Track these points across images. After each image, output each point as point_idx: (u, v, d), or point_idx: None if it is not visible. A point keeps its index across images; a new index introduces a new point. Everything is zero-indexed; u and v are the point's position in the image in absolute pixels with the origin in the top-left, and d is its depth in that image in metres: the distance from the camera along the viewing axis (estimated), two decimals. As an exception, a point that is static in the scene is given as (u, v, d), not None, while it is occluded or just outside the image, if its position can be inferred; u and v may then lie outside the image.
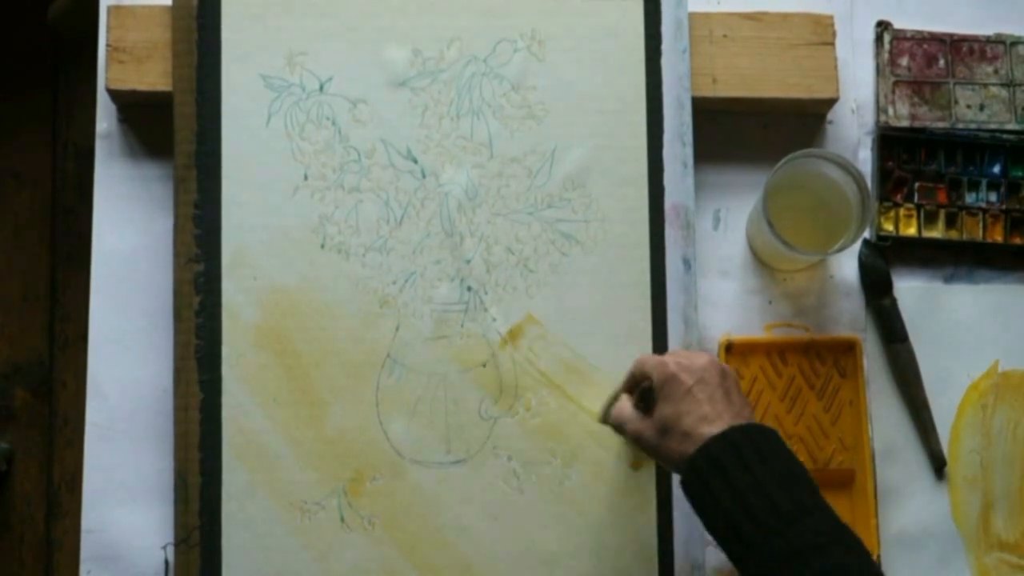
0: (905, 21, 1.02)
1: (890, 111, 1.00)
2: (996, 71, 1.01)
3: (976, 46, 1.01)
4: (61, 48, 1.74)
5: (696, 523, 0.90)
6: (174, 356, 0.90)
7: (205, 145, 0.91)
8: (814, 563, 0.70)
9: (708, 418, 0.77)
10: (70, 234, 1.69)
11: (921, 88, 1.00)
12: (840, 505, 0.94)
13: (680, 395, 0.79)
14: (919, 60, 1.01)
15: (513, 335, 0.92)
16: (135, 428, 0.92)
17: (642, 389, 0.83)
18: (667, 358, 0.81)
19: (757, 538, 0.71)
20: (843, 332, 0.97)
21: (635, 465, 0.91)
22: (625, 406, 0.84)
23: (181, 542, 0.88)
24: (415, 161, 0.92)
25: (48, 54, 1.74)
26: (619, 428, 0.84)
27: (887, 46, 1.01)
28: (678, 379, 0.79)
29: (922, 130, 1.00)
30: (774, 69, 0.96)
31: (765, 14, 0.97)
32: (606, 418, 0.87)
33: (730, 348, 0.95)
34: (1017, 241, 1.00)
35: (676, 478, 0.90)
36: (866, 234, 0.99)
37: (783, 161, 0.91)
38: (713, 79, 0.96)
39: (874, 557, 0.92)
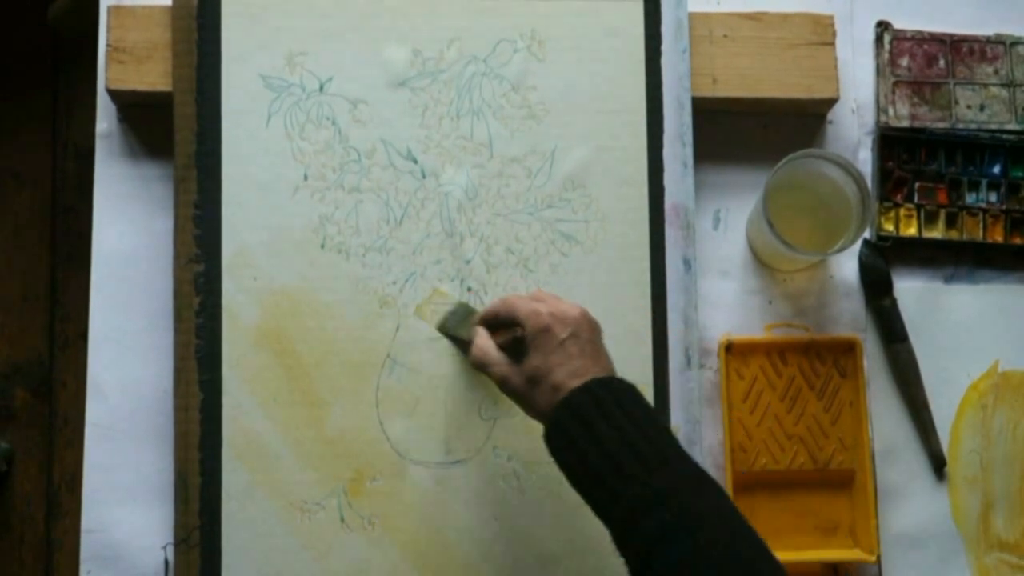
0: (905, 21, 1.02)
1: (890, 111, 1.00)
2: (996, 71, 1.01)
3: (976, 46, 1.01)
4: (61, 48, 1.74)
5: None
6: (174, 356, 0.89)
7: (205, 145, 0.91)
8: (674, 506, 0.70)
9: (578, 373, 0.77)
10: (70, 234, 1.69)
11: (921, 88, 1.00)
12: (840, 505, 0.95)
13: (553, 347, 0.78)
14: (919, 60, 1.01)
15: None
16: (135, 428, 0.92)
17: (514, 337, 0.82)
18: (539, 307, 0.80)
19: (619, 486, 0.71)
20: (843, 332, 0.97)
21: None
22: (489, 346, 0.83)
23: (181, 542, 0.88)
24: (415, 161, 0.92)
25: (48, 54, 1.74)
26: (482, 367, 0.83)
27: (887, 46, 1.01)
28: (552, 331, 0.79)
29: (922, 130, 1.00)
30: (774, 69, 0.96)
31: (765, 14, 0.97)
32: (446, 329, 0.88)
33: (730, 348, 0.95)
34: (1017, 241, 1.00)
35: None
36: (866, 234, 0.99)
37: (783, 161, 0.91)
38: (713, 79, 0.96)
39: (873, 557, 0.92)
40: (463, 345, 0.89)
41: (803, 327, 0.97)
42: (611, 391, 0.75)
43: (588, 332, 0.80)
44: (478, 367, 0.83)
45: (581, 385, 0.76)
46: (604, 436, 0.73)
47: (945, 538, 0.96)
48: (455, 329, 0.90)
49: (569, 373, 0.77)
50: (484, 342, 0.83)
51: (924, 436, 0.97)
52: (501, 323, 0.84)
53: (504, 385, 0.81)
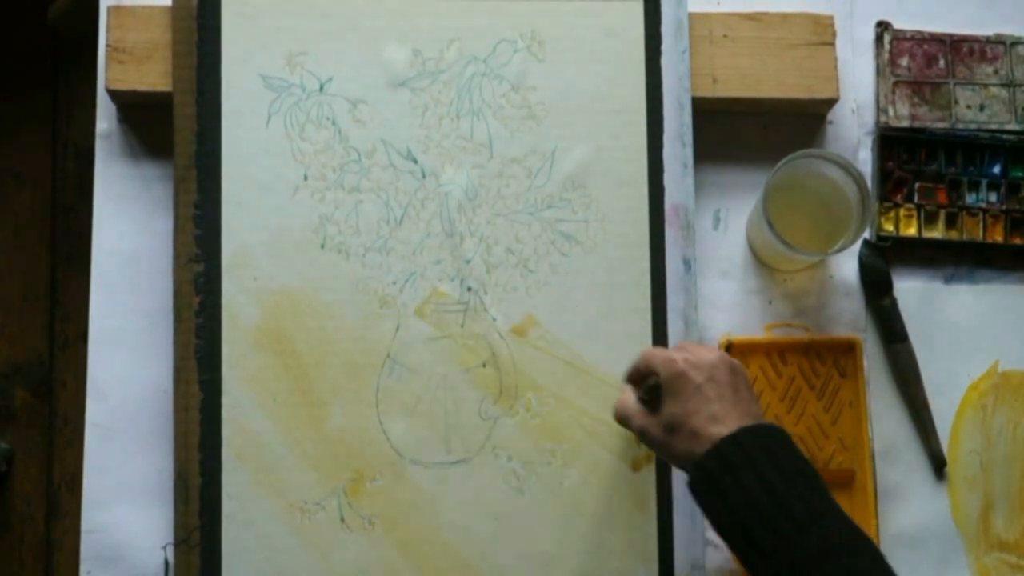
0: (905, 21, 1.02)
1: (890, 111, 1.00)
2: (996, 71, 1.01)
3: (976, 46, 1.01)
4: (61, 48, 1.74)
5: (696, 523, 0.91)
6: (174, 356, 0.90)
7: (205, 145, 0.91)
8: (827, 568, 0.69)
9: (717, 417, 0.76)
10: (70, 234, 1.69)
11: (921, 88, 1.00)
12: (840, 504, 0.95)
13: (689, 393, 0.77)
14: (919, 60, 1.01)
15: (514, 334, 0.92)
16: (135, 428, 0.92)
17: (649, 385, 0.82)
18: (675, 354, 0.80)
19: (769, 543, 0.70)
20: (843, 332, 0.97)
21: (635, 466, 0.91)
22: (630, 399, 0.83)
23: (181, 542, 0.88)
24: (415, 161, 0.92)
25: (48, 54, 1.74)
26: (623, 421, 0.83)
27: (887, 46, 1.01)
28: (687, 376, 0.78)
29: (922, 130, 1.00)
30: (774, 69, 0.96)
31: (765, 14, 0.97)
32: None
33: (730, 348, 0.95)
34: (1017, 241, 1.00)
35: (677, 477, 0.90)
36: (866, 234, 0.99)
37: (783, 161, 0.91)
38: (713, 79, 0.96)
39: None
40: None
41: (803, 327, 0.97)
42: (760, 440, 0.74)
43: (726, 376, 0.78)
44: (620, 422, 0.83)
45: (729, 434, 0.74)
46: (751, 488, 0.71)
47: (945, 538, 0.96)
48: None
49: (707, 418, 0.76)
50: (625, 396, 0.83)
51: (924, 436, 0.97)
52: (642, 376, 0.83)
53: (643, 436, 0.80)
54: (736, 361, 0.80)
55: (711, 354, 0.79)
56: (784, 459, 0.73)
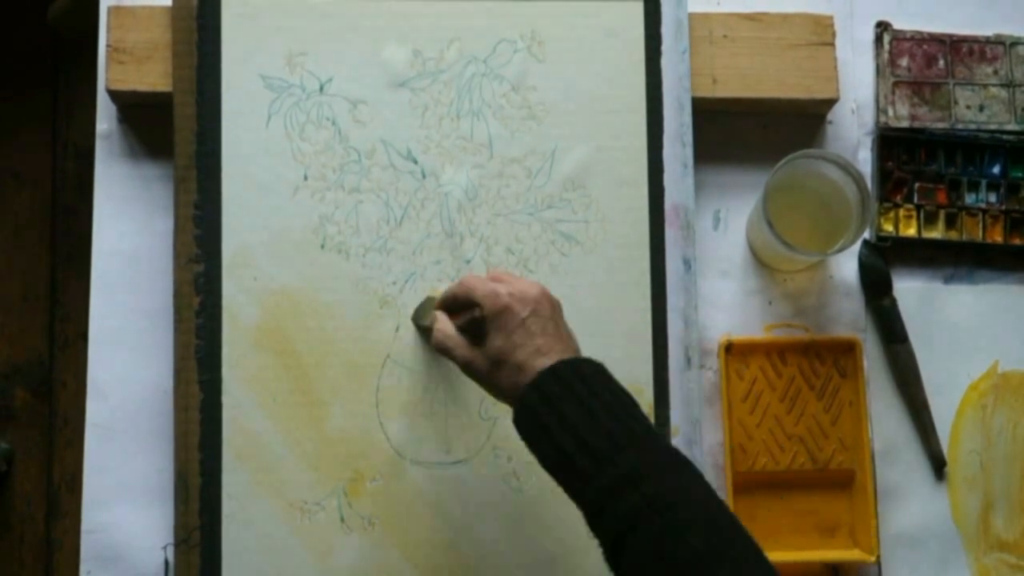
0: (905, 21, 1.02)
1: (890, 111, 1.00)
2: (996, 71, 1.01)
3: (976, 46, 1.01)
4: (61, 48, 1.74)
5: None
6: (174, 356, 0.90)
7: (205, 145, 0.91)
8: (646, 488, 0.69)
9: (542, 351, 0.76)
10: (70, 234, 1.69)
11: (921, 88, 1.00)
12: (840, 505, 0.95)
13: (514, 327, 0.77)
14: (919, 60, 1.01)
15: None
16: (135, 428, 0.92)
17: (472, 318, 0.81)
18: (499, 287, 0.79)
19: (590, 469, 0.71)
20: (843, 332, 0.97)
21: None
22: (449, 329, 0.82)
23: (181, 542, 0.88)
24: (415, 162, 0.92)
25: (48, 54, 1.74)
26: (445, 351, 0.82)
27: (887, 46, 1.01)
28: (512, 310, 0.78)
29: (922, 130, 1.00)
30: (774, 69, 0.96)
31: (765, 14, 0.97)
32: (416, 320, 0.89)
33: (730, 348, 0.95)
34: (1017, 241, 1.00)
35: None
36: (866, 234, 0.99)
37: (783, 161, 0.91)
38: (713, 79, 0.96)
39: (873, 558, 0.92)
40: (427, 333, 0.89)
41: (803, 327, 0.97)
42: (579, 372, 0.75)
43: (549, 310, 0.79)
44: (440, 351, 0.82)
45: (549, 367, 0.75)
46: (573, 419, 0.73)
47: (945, 538, 0.96)
48: (421, 319, 0.90)
49: (532, 353, 0.76)
50: (444, 326, 0.83)
51: (924, 437, 0.97)
52: (460, 305, 0.83)
53: (467, 368, 0.81)
54: (554, 295, 0.80)
55: (532, 287, 0.80)
56: (602, 388, 0.74)
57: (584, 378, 0.74)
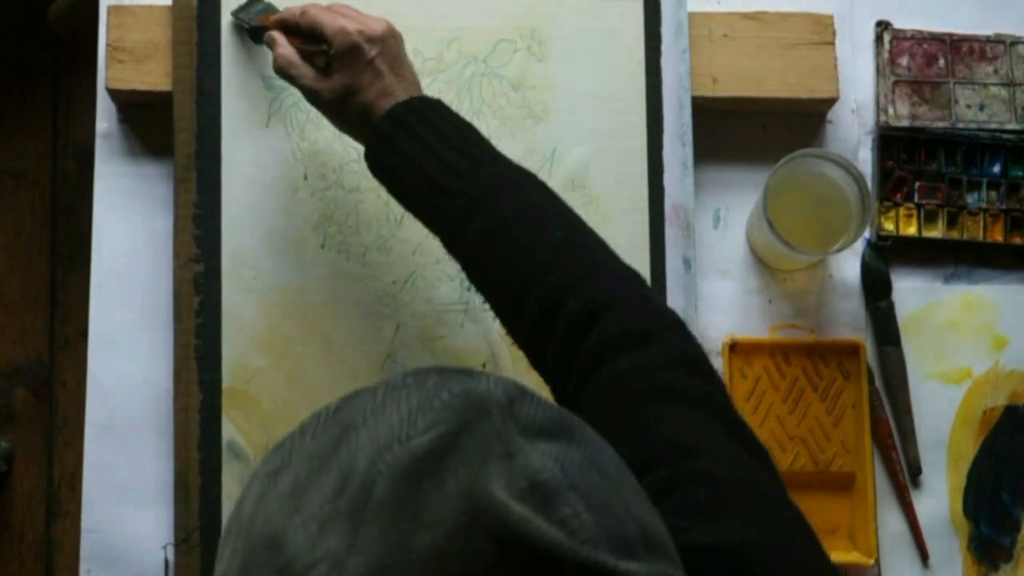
0: (905, 21, 1.02)
1: (890, 111, 1.00)
2: (996, 71, 1.01)
3: (976, 46, 1.01)
4: (61, 48, 1.74)
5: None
6: (174, 356, 0.89)
7: (205, 145, 0.91)
8: (493, 208, 0.73)
9: (388, 91, 0.78)
10: (70, 234, 1.69)
11: (921, 88, 1.00)
12: (839, 507, 0.95)
13: (362, 66, 0.78)
14: (919, 60, 1.01)
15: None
16: (135, 428, 0.92)
17: (320, 51, 0.81)
18: (347, 24, 0.79)
19: (439, 199, 0.75)
20: (843, 332, 0.97)
21: None
22: (292, 54, 0.82)
23: (181, 542, 0.88)
24: (415, 161, 0.92)
25: (48, 54, 1.73)
26: (287, 76, 0.82)
27: (887, 46, 1.01)
28: (361, 49, 0.78)
29: (922, 130, 1.00)
30: (774, 69, 0.96)
31: (765, 14, 0.97)
32: (240, 16, 0.89)
33: (734, 347, 0.95)
34: (1017, 241, 1.00)
35: None
36: (866, 234, 0.99)
37: (783, 161, 0.91)
38: (713, 79, 0.96)
39: (871, 560, 0.92)
40: (252, 34, 0.89)
41: (807, 328, 0.97)
42: (417, 111, 0.77)
43: (395, 48, 0.80)
44: (281, 74, 0.82)
45: (387, 111, 0.77)
46: (418, 153, 0.75)
47: (944, 538, 0.96)
48: (245, 15, 0.90)
49: (379, 92, 0.78)
50: (287, 51, 0.82)
51: (903, 442, 0.96)
52: (300, 33, 0.83)
53: (313, 97, 0.81)
54: (398, 30, 0.81)
55: (378, 24, 0.80)
56: (441, 123, 0.77)
57: (424, 116, 0.76)
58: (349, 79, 0.78)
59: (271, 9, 0.90)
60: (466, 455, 0.44)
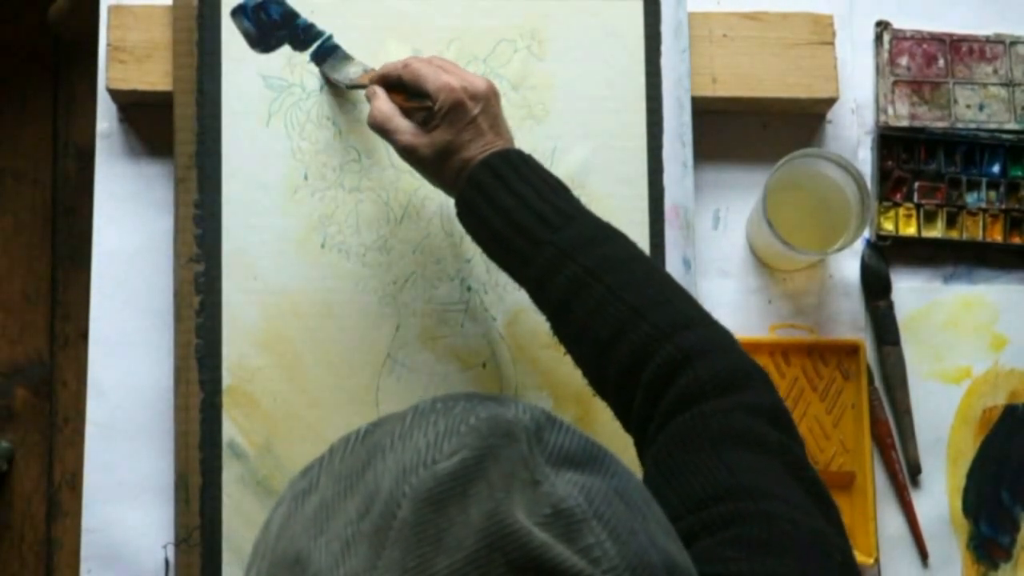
0: (905, 21, 1.02)
1: (890, 111, 1.00)
2: (996, 71, 1.01)
3: (976, 46, 1.01)
4: (61, 48, 1.74)
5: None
6: (174, 356, 0.90)
7: (205, 145, 0.91)
8: (581, 259, 0.74)
9: (487, 147, 0.78)
10: (70, 234, 1.69)
11: (921, 88, 1.00)
12: (840, 506, 0.94)
13: (465, 124, 0.78)
14: (919, 60, 1.01)
15: (514, 333, 0.91)
16: (135, 428, 0.92)
17: (424, 107, 0.80)
18: (451, 80, 0.79)
19: (528, 250, 0.75)
20: (842, 332, 0.97)
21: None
22: (392, 111, 0.81)
23: (181, 542, 0.88)
24: (415, 161, 0.92)
25: (48, 54, 1.73)
26: (383, 131, 0.81)
27: (887, 46, 1.01)
28: (465, 107, 0.78)
29: (922, 130, 1.00)
30: (774, 69, 0.96)
31: (765, 14, 0.97)
32: (330, 73, 0.90)
33: (730, 348, 0.95)
34: (1017, 241, 1.00)
35: None
36: (866, 233, 0.99)
37: (783, 161, 0.91)
38: (713, 79, 0.96)
39: (871, 560, 0.92)
40: (343, 88, 0.90)
41: (807, 328, 0.97)
42: (509, 161, 0.77)
43: (496, 106, 0.80)
44: (377, 129, 0.82)
45: (481, 160, 0.77)
46: (507, 205, 0.76)
47: (944, 538, 0.96)
48: (336, 72, 0.90)
49: (479, 149, 0.78)
50: (385, 105, 0.82)
51: (903, 442, 0.96)
52: (403, 89, 0.82)
53: (410, 154, 0.80)
54: (496, 88, 0.81)
55: (480, 81, 0.80)
56: (544, 173, 0.78)
57: (517, 168, 0.77)
58: (450, 136, 0.78)
59: (365, 67, 0.89)
60: (491, 480, 0.44)
